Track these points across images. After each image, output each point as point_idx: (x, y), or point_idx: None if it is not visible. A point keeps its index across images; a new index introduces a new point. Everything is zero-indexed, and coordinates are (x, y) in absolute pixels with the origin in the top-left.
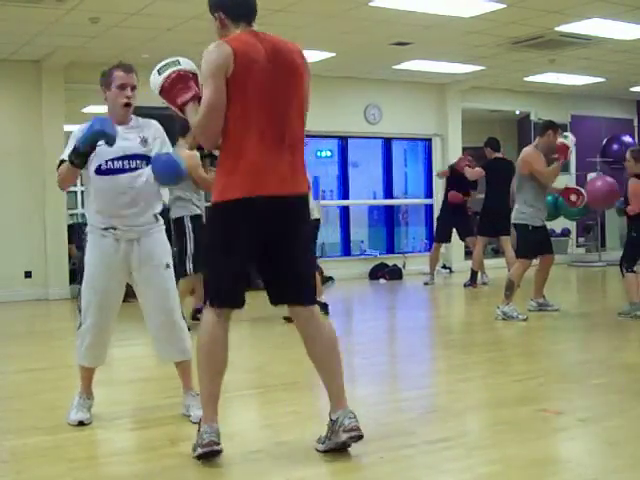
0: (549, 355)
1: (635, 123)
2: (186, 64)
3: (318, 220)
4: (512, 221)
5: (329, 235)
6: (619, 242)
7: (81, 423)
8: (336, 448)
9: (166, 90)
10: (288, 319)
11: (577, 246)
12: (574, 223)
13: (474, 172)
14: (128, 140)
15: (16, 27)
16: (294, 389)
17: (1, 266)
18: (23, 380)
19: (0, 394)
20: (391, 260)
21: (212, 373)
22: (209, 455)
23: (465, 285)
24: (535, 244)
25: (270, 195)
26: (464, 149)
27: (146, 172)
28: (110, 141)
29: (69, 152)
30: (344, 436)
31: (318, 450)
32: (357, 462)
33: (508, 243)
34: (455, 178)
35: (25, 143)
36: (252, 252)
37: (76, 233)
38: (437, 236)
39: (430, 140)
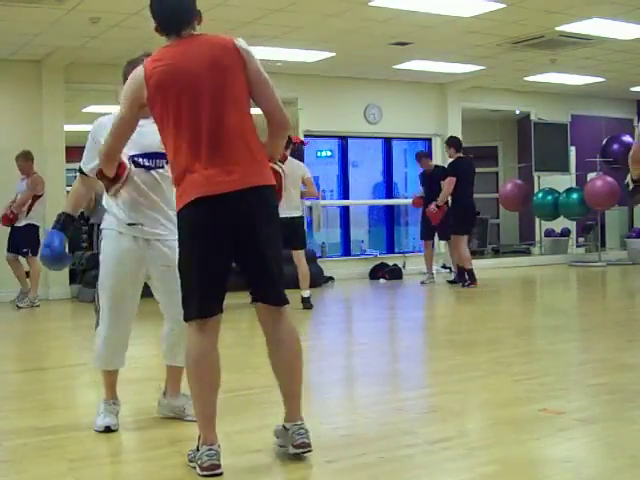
0: (549, 355)
1: (635, 123)
2: None
3: (301, 217)
4: None
5: (329, 235)
6: (619, 242)
7: (107, 429)
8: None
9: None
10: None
11: (577, 246)
12: (574, 223)
13: (448, 182)
14: (147, 134)
15: (16, 27)
16: None
17: (1, 266)
18: (23, 380)
19: (0, 394)
20: (391, 260)
21: (205, 393)
22: (209, 477)
23: (465, 285)
24: None
25: (217, 194)
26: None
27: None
28: (55, 261)
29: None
30: (293, 450)
31: (276, 444)
32: (357, 462)
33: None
34: (431, 178)
35: (25, 143)
36: (216, 254)
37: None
38: (422, 235)
39: (430, 140)
